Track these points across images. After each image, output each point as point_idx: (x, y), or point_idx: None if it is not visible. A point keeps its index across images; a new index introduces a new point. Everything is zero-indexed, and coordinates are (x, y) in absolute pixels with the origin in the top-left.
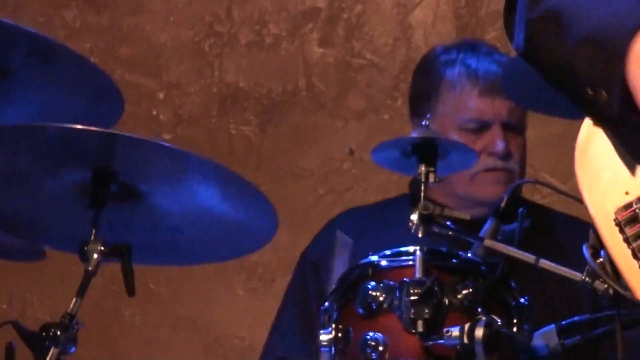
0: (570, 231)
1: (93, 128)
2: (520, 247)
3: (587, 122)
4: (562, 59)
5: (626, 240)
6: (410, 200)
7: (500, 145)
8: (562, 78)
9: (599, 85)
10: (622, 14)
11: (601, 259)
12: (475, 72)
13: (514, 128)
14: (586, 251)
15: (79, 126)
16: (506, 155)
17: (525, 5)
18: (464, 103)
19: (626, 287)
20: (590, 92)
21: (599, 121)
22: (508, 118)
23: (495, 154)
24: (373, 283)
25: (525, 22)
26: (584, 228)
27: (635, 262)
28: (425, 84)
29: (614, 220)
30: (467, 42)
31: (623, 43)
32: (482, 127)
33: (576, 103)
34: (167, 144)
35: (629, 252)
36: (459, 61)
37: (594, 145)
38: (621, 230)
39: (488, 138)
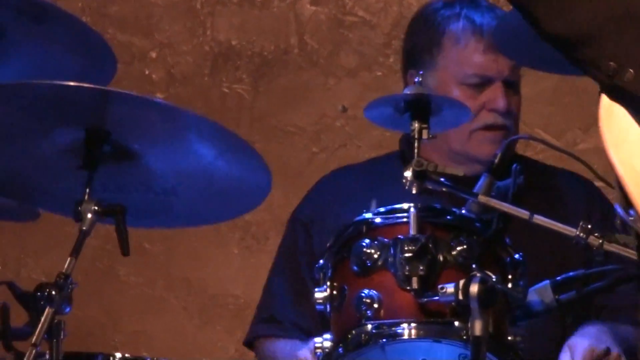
0: (564, 184)
1: (86, 85)
2: (514, 203)
3: None
4: (586, 25)
5: None
6: (402, 157)
7: (502, 102)
8: (578, 44)
9: (627, 63)
10: None
11: (631, 217)
12: (480, 27)
13: (513, 86)
14: (620, 210)
15: (72, 83)
16: (507, 113)
17: None
18: (468, 57)
19: None
20: (613, 65)
21: (614, 96)
22: (510, 75)
23: (496, 110)
24: (367, 240)
25: None
26: (578, 181)
27: None
28: (426, 37)
29: None
30: None
31: None
32: (484, 82)
33: (585, 70)
34: (161, 101)
35: None
36: (463, 15)
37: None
38: None
39: (490, 94)
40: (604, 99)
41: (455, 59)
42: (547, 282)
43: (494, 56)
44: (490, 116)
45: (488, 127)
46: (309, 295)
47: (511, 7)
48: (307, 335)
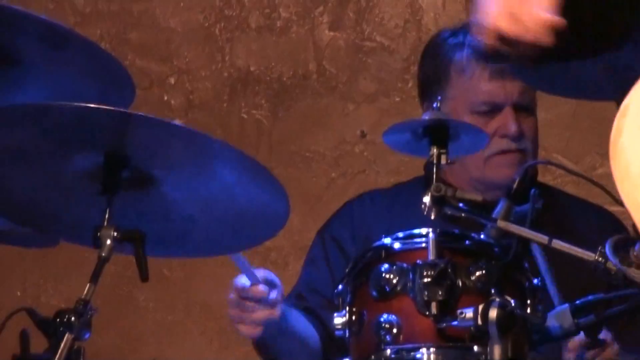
0: (581, 213)
1: (106, 107)
2: (533, 228)
3: (618, 114)
4: None
5: None
6: (425, 182)
7: (512, 127)
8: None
9: None
10: None
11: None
12: None
13: (525, 109)
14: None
15: (92, 105)
16: (519, 137)
17: None
18: (475, 86)
19: None
20: None
21: None
22: (519, 99)
23: (508, 136)
24: (386, 265)
25: None
26: (595, 210)
27: None
28: (434, 68)
29: None
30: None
31: None
32: (493, 109)
33: None
34: (181, 125)
35: None
36: (467, 44)
37: (622, 139)
38: None
39: (500, 120)
40: (612, 134)
41: (463, 88)
42: (566, 306)
43: (501, 82)
44: (503, 142)
45: (502, 153)
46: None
47: None
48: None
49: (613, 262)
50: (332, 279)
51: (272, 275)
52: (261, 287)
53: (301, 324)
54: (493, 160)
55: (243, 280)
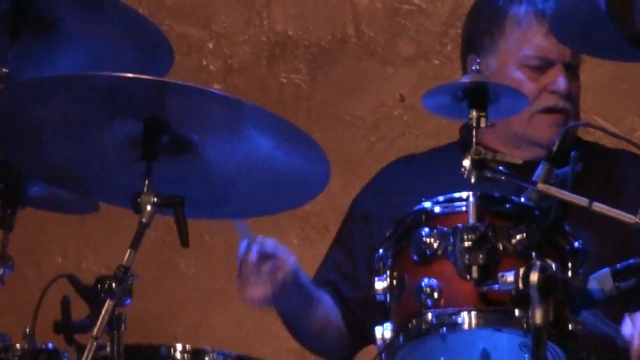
0: (626, 166)
1: (144, 76)
2: (573, 190)
3: None
4: None
5: None
6: (462, 145)
7: (563, 83)
8: None
9: None
10: None
11: None
12: (542, 11)
13: (574, 70)
14: None
15: (130, 75)
16: (567, 95)
17: None
18: (530, 39)
19: None
20: None
21: None
22: (570, 59)
23: (557, 92)
24: (427, 229)
25: None
26: (635, 159)
27: None
28: (487, 21)
29: None
30: None
31: None
32: (545, 65)
33: None
34: (219, 92)
35: None
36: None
37: None
38: None
39: (551, 76)
40: None
41: (517, 41)
42: (607, 269)
43: (556, 39)
44: (552, 98)
45: (549, 110)
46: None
47: None
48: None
49: None
50: (352, 257)
51: (274, 247)
52: (251, 258)
53: (326, 301)
54: (538, 118)
55: (242, 248)
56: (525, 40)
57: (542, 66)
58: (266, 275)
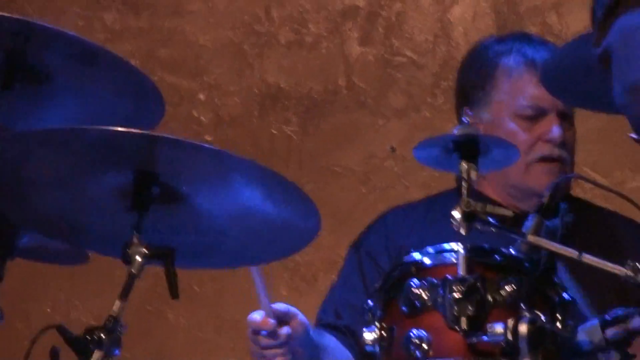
0: (613, 226)
1: (134, 130)
2: (563, 242)
3: None
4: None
5: None
6: (458, 193)
7: (557, 132)
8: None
9: None
10: None
11: None
12: (532, 60)
13: (568, 118)
14: None
15: (120, 128)
16: (562, 143)
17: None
18: (522, 89)
19: None
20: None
21: None
22: (564, 107)
23: (552, 141)
24: (416, 281)
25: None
26: (626, 223)
27: None
28: (479, 73)
29: None
30: (520, 32)
31: None
32: (538, 114)
33: None
34: (209, 145)
35: None
36: (515, 50)
37: None
38: None
39: (545, 125)
40: None
41: (509, 91)
42: (596, 321)
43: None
44: (546, 147)
45: (544, 159)
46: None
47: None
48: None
49: None
50: (367, 292)
51: (288, 309)
52: (270, 321)
53: (333, 346)
54: (534, 167)
55: (256, 315)
56: (518, 91)
57: (536, 115)
58: (285, 341)
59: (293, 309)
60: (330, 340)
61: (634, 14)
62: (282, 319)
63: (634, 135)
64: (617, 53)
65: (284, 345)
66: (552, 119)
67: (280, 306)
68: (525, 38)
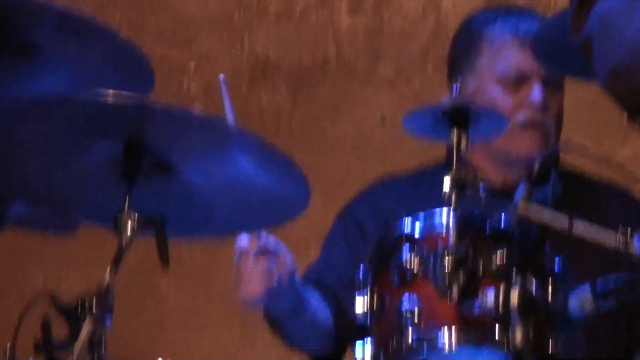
0: (603, 198)
1: (125, 94)
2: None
3: None
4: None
5: None
6: (447, 165)
7: (538, 96)
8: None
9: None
10: None
11: None
12: (516, 27)
13: (553, 85)
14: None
15: (111, 92)
16: (543, 108)
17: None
18: (504, 54)
19: None
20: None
21: None
22: (547, 73)
23: (532, 105)
24: (407, 251)
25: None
26: (618, 194)
27: None
28: (465, 42)
29: None
30: (508, 4)
31: None
32: (521, 79)
33: None
34: (199, 113)
35: None
36: (500, 18)
37: None
38: None
39: (526, 89)
40: None
41: (492, 57)
42: (587, 287)
43: (530, 54)
44: (528, 111)
45: (526, 125)
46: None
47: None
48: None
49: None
50: (353, 259)
51: (275, 244)
52: (251, 251)
53: (315, 302)
54: (516, 134)
55: (242, 239)
56: (500, 56)
57: (518, 80)
58: (264, 270)
59: (283, 248)
60: (313, 296)
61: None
62: (268, 252)
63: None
64: (597, 39)
65: (262, 275)
66: (533, 83)
67: (271, 240)
68: (512, 8)
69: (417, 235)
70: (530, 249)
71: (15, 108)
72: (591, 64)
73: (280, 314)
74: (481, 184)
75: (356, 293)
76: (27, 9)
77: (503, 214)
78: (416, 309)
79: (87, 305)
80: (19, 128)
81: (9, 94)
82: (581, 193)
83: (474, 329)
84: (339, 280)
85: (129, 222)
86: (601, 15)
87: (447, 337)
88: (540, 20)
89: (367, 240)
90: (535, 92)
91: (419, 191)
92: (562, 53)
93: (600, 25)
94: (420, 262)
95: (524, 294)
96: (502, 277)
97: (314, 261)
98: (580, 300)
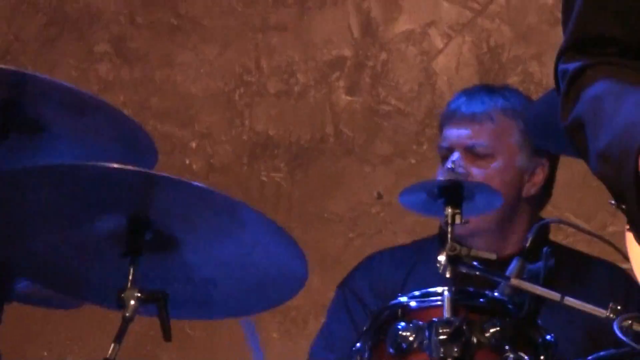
0: (593, 271)
1: (130, 167)
2: (546, 285)
3: None
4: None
5: None
6: (440, 241)
7: (448, 164)
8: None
9: (619, 200)
10: (629, 131)
11: None
12: (458, 107)
13: (477, 154)
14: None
15: (115, 165)
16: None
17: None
18: (442, 134)
19: None
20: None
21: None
22: (469, 144)
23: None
24: (403, 323)
25: (564, 127)
26: (607, 267)
27: None
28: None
29: None
30: (477, 86)
31: (630, 166)
32: (448, 152)
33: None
34: (203, 185)
35: None
36: (453, 101)
37: None
38: None
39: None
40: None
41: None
42: None
43: (456, 128)
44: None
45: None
46: None
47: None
48: None
49: (624, 340)
50: (355, 329)
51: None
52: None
53: None
54: None
55: None
56: (441, 134)
57: (446, 154)
58: None
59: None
60: None
61: (600, 83)
62: None
63: (612, 202)
64: (589, 121)
65: None
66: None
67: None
68: (474, 89)
69: (412, 308)
70: (523, 323)
71: (21, 178)
72: (579, 145)
73: None
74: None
75: None
76: (34, 87)
77: (497, 288)
78: None
79: None
80: (24, 199)
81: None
82: (572, 266)
83: None
84: (346, 348)
85: (132, 297)
86: (592, 98)
87: None
88: (521, 97)
89: (365, 309)
90: (449, 160)
91: (415, 262)
92: (552, 131)
93: (591, 108)
94: (416, 334)
95: None
96: (495, 349)
97: (318, 334)
98: None
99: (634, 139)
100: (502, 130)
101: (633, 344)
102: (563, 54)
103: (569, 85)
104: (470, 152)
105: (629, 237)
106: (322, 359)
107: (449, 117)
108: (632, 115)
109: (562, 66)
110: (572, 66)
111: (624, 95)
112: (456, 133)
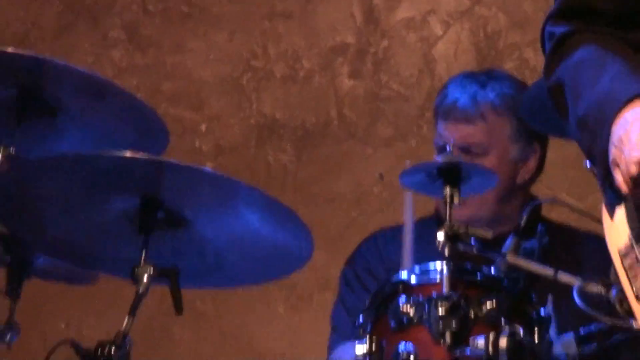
0: (585, 245)
1: (141, 155)
2: (540, 261)
3: None
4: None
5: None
6: (437, 220)
7: (438, 159)
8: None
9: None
10: (606, 98)
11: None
12: (454, 102)
13: (468, 151)
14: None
15: (128, 154)
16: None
17: (544, 71)
18: (438, 130)
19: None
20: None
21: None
22: (461, 142)
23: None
24: (404, 298)
25: (546, 86)
26: (598, 240)
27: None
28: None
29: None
30: (467, 73)
31: (604, 135)
32: (442, 149)
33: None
34: (211, 171)
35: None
36: (448, 94)
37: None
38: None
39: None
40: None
41: (435, 131)
42: (571, 334)
43: (453, 125)
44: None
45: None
46: None
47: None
48: None
49: (583, 308)
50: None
51: None
52: None
53: None
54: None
55: None
56: (437, 130)
57: (441, 151)
58: None
59: None
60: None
61: (584, 50)
62: None
63: (588, 164)
64: (569, 86)
65: None
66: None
67: None
68: (465, 79)
69: (413, 284)
70: (518, 297)
71: (38, 166)
72: (558, 106)
73: None
74: (472, 238)
75: (356, 342)
76: (51, 72)
77: (493, 265)
78: (412, 353)
79: (106, 350)
80: (43, 185)
81: (34, 151)
82: (566, 243)
83: None
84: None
85: (146, 273)
86: (574, 64)
87: None
88: (512, 85)
89: (366, 289)
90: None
91: (416, 241)
92: (546, 114)
93: (572, 74)
94: (416, 309)
95: (513, 339)
96: (492, 323)
97: (336, 303)
98: (564, 345)
99: (610, 109)
100: (495, 128)
101: (589, 310)
102: (551, 18)
103: (555, 46)
104: (465, 151)
105: (604, 210)
106: (343, 320)
107: (443, 114)
108: (608, 86)
109: (549, 28)
110: (559, 30)
111: (605, 65)
112: (450, 134)
